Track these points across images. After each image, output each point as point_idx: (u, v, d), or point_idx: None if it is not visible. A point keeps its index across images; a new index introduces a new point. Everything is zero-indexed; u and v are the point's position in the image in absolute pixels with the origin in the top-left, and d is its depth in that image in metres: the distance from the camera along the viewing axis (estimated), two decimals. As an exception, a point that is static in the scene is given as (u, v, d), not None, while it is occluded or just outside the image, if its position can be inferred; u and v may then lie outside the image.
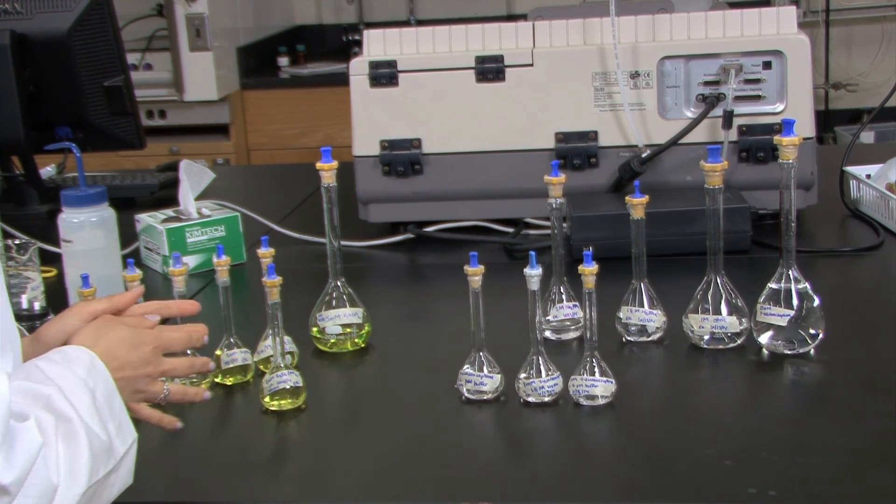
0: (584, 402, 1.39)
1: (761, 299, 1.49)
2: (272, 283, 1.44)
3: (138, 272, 1.48)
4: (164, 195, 2.38)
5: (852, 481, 1.20)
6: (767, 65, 1.97)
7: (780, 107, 1.97)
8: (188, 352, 1.32)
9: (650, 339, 1.56)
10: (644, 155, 1.97)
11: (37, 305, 1.68)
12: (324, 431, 1.40)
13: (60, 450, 0.99)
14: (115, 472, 1.06)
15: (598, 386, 1.38)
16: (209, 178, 2.13)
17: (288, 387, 1.41)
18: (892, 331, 1.57)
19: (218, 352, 1.50)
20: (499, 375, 1.42)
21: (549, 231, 1.59)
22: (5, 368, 0.99)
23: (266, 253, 1.50)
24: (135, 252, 2.00)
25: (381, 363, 1.60)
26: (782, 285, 1.48)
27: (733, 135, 1.97)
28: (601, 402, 1.38)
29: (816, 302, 1.47)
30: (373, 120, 2.04)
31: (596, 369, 1.38)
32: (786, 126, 1.41)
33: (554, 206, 1.48)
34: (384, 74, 2.02)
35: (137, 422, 1.16)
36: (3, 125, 2.23)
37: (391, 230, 2.10)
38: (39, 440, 0.97)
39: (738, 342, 1.52)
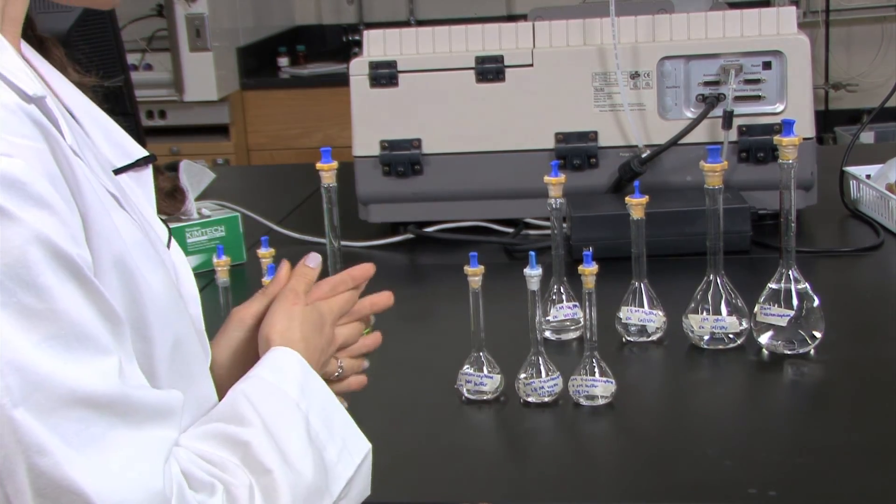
0: (584, 402, 1.39)
1: (761, 299, 1.49)
2: (272, 283, 1.44)
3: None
4: (164, 195, 2.37)
5: (852, 481, 1.20)
6: (767, 65, 1.96)
7: (780, 107, 1.97)
8: None
9: (650, 339, 1.56)
10: (644, 155, 1.97)
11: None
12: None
13: None
14: (343, 498, 0.97)
15: (598, 386, 1.38)
16: (209, 178, 2.13)
17: (288, 387, 1.41)
18: (892, 331, 1.57)
19: (218, 352, 1.50)
20: (499, 375, 1.42)
21: (549, 231, 1.59)
22: (166, 438, 0.82)
23: (266, 253, 1.50)
24: (135, 252, 2.00)
25: (380, 363, 1.60)
26: (782, 285, 1.48)
27: (733, 135, 1.97)
28: (601, 402, 1.38)
29: (816, 302, 1.47)
30: (373, 120, 2.04)
31: (596, 369, 1.38)
32: (786, 126, 1.41)
33: (554, 206, 1.48)
34: (384, 75, 2.02)
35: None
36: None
37: (391, 230, 2.10)
38: None
39: (738, 342, 1.52)
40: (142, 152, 0.98)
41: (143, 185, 0.98)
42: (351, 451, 0.99)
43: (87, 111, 0.96)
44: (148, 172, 0.99)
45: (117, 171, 0.94)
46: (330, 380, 1.11)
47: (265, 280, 1.44)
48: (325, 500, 0.94)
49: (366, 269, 1.18)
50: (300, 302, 1.10)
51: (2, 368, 0.72)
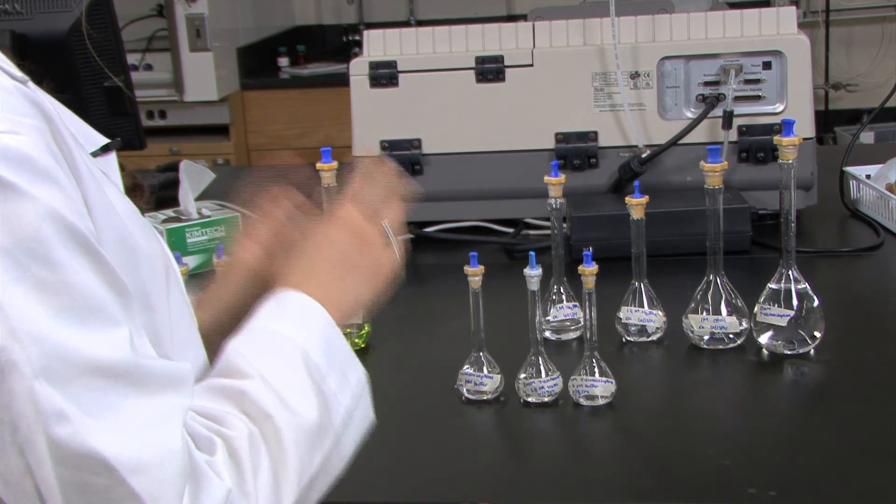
0: (584, 402, 1.39)
1: (761, 299, 1.49)
2: (272, 283, 1.44)
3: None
4: (164, 195, 2.37)
5: (852, 481, 1.20)
6: (767, 65, 1.96)
7: (779, 107, 1.97)
8: None
9: (650, 339, 1.56)
10: (644, 155, 1.97)
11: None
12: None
13: (261, 472, 0.87)
14: (344, 428, 0.95)
15: (598, 386, 1.38)
16: (209, 178, 2.13)
17: (288, 387, 1.41)
18: (892, 331, 1.57)
19: (218, 352, 1.50)
20: (499, 375, 1.42)
21: (549, 231, 1.59)
22: (181, 405, 0.83)
23: (266, 253, 1.50)
24: (135, 252, 2.00)
25: (380, 363, 1.60)
26: (782, 285, 1.48)
27: (733, 135, 1.97)
28: (601, 402, 1.38)
29: (816, 302, 1.47)
30: (373, 120, 2.04)
31: (596, 369, 1.38)
32: (786, 126, 1.41)
33: (554, 206, 1.48)
34: (384, 75, 2.02)
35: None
36: (3, 125, 2.22)
37: (391, 230, 2.10)
38: (226, 486, 0.83)
39: (738, 342, 1.52)
40: (104, 139, 0.99)
41: (109, 171, 0.98)
42: (349, 379, 0.98)
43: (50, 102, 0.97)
44: (112, 158, 0.99)
45: None
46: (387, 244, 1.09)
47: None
48: (328, 435, 0.93)
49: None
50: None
51: (22, 340, 0.73)
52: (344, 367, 0.98)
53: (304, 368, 0.94)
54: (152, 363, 0.82)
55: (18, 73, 0.81)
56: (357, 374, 0.99)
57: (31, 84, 0.83)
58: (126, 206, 0.89)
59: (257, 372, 0.91)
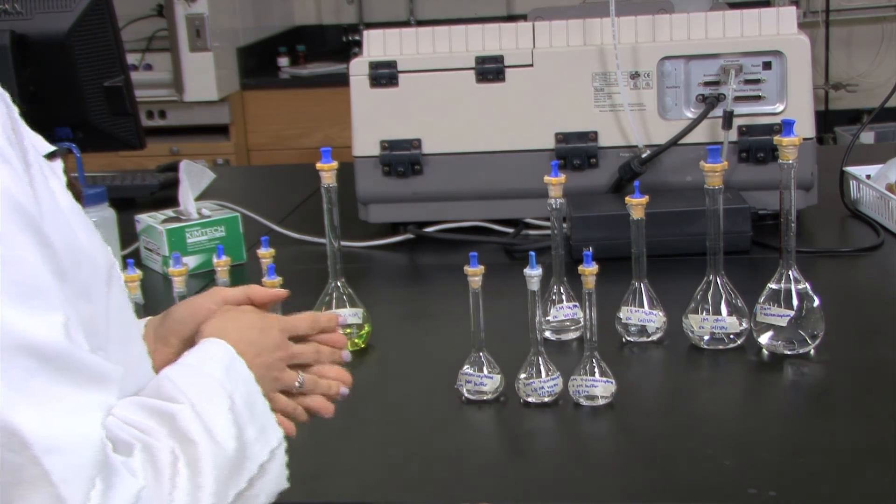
0: (584, 402, 1.39)
1: (761, 299, 1.49)
2: (272, 283, 1.44)
3: (138, 272, 1.49)
4: (164, 195, 2.38)
5: (852, 481, 1.20)
6: (767, 65, 1.97)
7: (780, 107, 1.97)
8: None
9: (650, 339, 1.56)
10: (644, 155, 1.97)
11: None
12: (324, 431, 1.40)
13: (179, 483, 0.87)
14: (258, 480, 0.97)
15: (598, 386, 1.38)
16: (209, 178, 2.13)
17: (288, 387, 1.41)
18: (892, 331, 1.57)
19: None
20: (499, 375, 1.42)
21: (549, 231, 1.59)
22: (103, 403, 0.84)
23: (266, 253, 1.50)
24: (135, 252, 2.00)
25: (381, 363, 1.60)
26: (782, 286, 1.48)
27: (733, 135, 1.97)
28: (601, 402, 1.38)
29: (816, 302, 1.47)
30: (373, 120, 2.04)
31: (596, 369, 1.38)
32: (786, 126, 1.41)
33: (554, 206, 1.48)
34: (384, 75, 2.02)
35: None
36: (3, 125, 2.22)
37: (391, 230, 2.10)
38: (139, 483, 0.84)
39: (738, 342, 1.52)
40: (49, 147, 1.00)
41: (56, 177, 1.00)
42: (268, 435, 1.00)
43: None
44: (58, 165, 1.00)
45: None
46: (290, 392, 1.12)
47: (265, 280, 1.44)
48: (243, 475, 0.95)
49: (330, 318, 1.20)
50: (239, 310, 1.14)
51: None
52: (264, 423, 1.00)
53: (230, 410, 0.96)
54: (82, 355, 0.82)
55: None
56: (276, 435, 1.01)
57: None
58: (69, 202, 0.90)
59: (187, 399, 0.93)
